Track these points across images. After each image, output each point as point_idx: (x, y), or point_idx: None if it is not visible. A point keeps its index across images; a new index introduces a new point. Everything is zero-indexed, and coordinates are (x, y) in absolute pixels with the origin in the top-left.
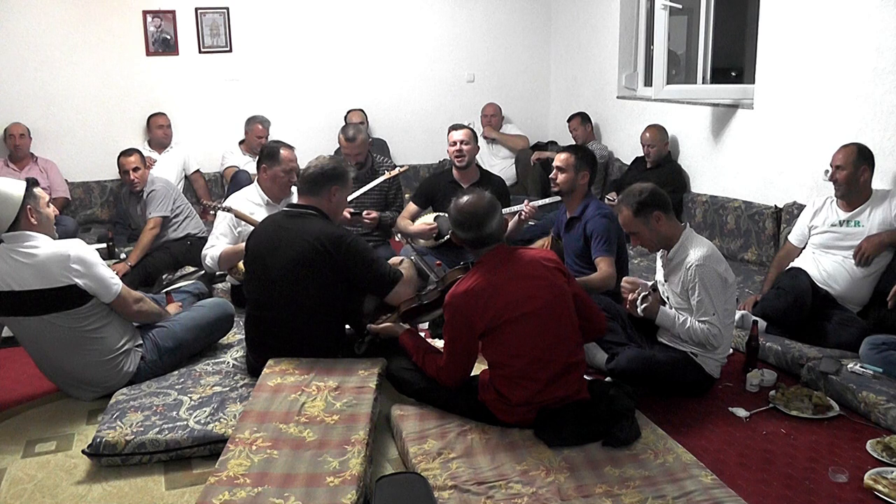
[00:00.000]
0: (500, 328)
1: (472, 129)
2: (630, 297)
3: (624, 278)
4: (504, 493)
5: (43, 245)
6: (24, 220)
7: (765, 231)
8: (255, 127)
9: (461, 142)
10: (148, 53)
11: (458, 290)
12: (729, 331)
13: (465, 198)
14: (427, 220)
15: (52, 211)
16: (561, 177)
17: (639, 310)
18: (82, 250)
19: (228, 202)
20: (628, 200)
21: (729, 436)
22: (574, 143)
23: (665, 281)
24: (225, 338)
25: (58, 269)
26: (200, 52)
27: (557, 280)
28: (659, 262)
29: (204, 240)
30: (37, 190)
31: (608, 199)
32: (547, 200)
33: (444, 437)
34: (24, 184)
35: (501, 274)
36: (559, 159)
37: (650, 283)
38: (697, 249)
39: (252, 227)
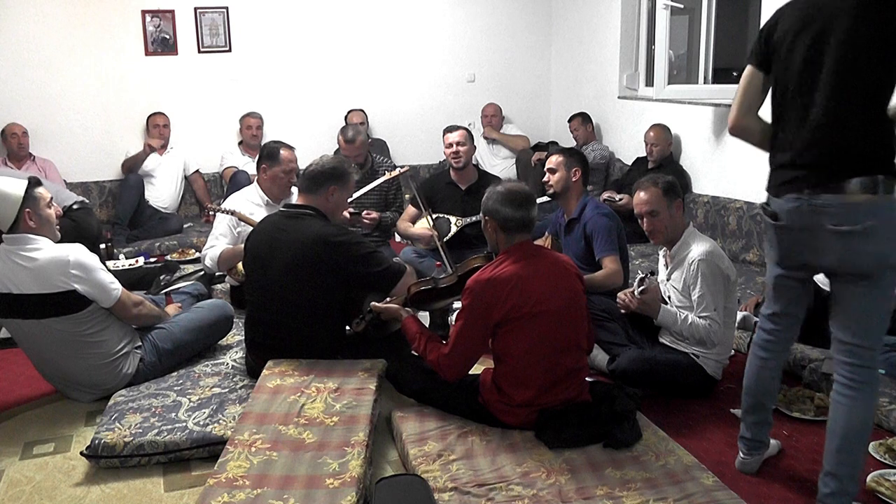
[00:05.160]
0: (517, 321)
1: (467, 130)
2: (624, 294)
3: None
4: (505, 494)
5: (44, 249)
6: (22, 222)
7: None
8: (247, 120)
9: (457, 143)
10: (147, 53)
11: (482, 276)
12: (731, 330)
13: (512, 183)
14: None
15: (53, 211)
16: (554, 177)
17: (636, 291)
18: (82, 255)
19: (228, 203)
20: (655, 181)
21: (730, 437)
22: (575, 143)
23: (667, 279)
24: (224, 339)
25: (57, 274)
26: (200, 51)
27: (577, 286)
28: (661, 261)
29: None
30: (39, 190)
31: (606, 198)
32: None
33: (444, 439)
34: (24, 183)
35: (527, 267)
36: (550, 161)
37: (647, 270)
38: (700, 245)
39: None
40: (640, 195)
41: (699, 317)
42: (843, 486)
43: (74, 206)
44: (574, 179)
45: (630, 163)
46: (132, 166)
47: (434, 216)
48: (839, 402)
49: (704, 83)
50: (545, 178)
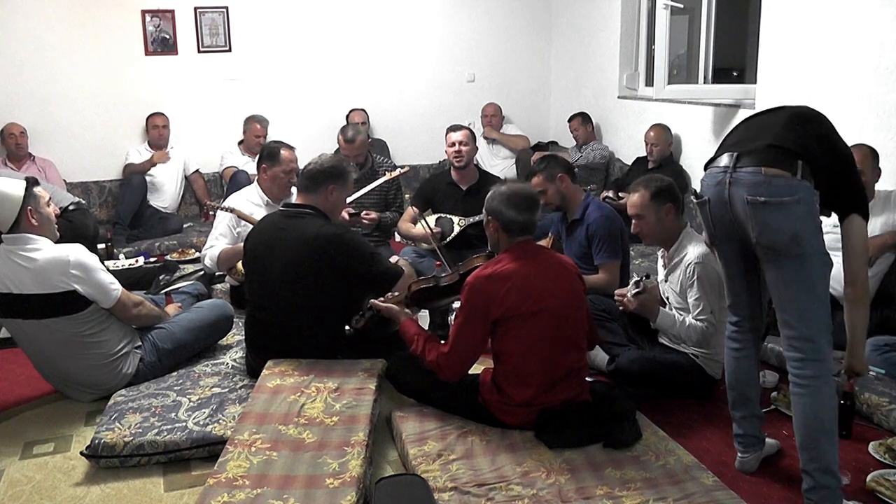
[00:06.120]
0: (517, 320)
1: (470, 130)
2: (622, 293)
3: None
4: (504, 494)
5: (43, 249)
6: (24, 221)
7: None
8: (253, 126)
9: (459, 142)
10: (147, 53)
11: (482, 273)
12: None
13: (517, 184)
14: (429, 222)
15: (52, 210)
16: (548, 196)
17: (630, 295)
18: (82, 255)
19: (228, 202)
20: (648, 183)
21: (730, 437)
22: (575, 143)
23: (665, 280)
24: (224, 339)
25: (57, 274)
26: (199, 51)
27: (577, 286)
28: (660, 263)
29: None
30: (37, 189)
31: (607, 198)
32: None
33: (444, 439)
34: (24, 183)
35: (527, 266)
36: (533, 185)
37: (644, 275)
38: (697, 247)
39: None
40: (631, 197)
41: (696, 319)
42: (816, 481)
43: (70, 207)
44: (564, 185)
45: (630, 163)
46: (135, 171)
47: (437, 216)
48: (794, 399)
49: (704, 83)
50: (541, 201)
